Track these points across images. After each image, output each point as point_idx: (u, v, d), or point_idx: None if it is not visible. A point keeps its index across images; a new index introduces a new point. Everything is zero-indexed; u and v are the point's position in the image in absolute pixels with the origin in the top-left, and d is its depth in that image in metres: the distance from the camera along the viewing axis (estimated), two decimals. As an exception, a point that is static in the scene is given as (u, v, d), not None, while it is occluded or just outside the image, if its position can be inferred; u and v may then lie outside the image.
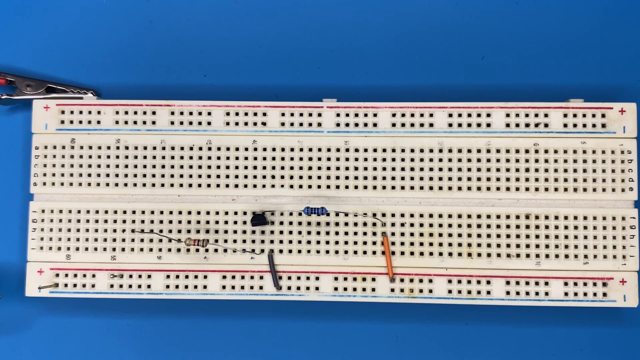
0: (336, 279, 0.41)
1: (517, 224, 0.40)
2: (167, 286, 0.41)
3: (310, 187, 0.41)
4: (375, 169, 0.41)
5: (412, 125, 0.41)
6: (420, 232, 0.41)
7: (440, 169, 0.41)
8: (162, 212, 0.41)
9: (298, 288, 0.41)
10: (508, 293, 0.40)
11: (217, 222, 0.41)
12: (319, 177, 0.41)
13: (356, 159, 0.41)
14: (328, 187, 0.41)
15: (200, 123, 0.42)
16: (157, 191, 0.41)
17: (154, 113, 0.42)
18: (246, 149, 0.41)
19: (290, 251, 0.41)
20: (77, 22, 0.45)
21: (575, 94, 0.43)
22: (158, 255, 0.41)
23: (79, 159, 0.42)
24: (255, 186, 0.41)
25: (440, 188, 0.41)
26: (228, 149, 0.41)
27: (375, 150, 0.41)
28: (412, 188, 0.41)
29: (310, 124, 0.41)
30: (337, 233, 0.41)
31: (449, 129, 0.41)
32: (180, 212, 0.41)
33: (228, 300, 0.42)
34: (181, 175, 0.41)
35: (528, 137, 0.41)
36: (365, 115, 0.41)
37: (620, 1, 0.45)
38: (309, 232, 0.41)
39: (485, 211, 0.40)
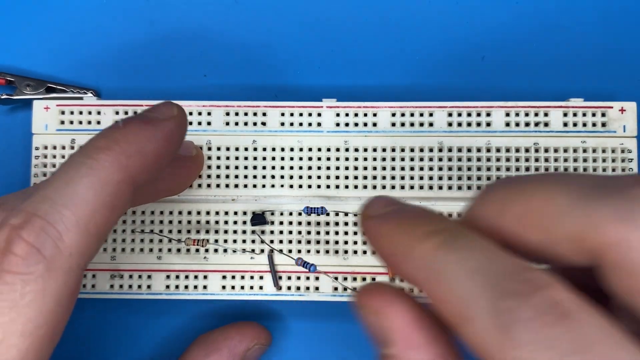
0: (336, 278, 0.41)
1: (518, 223, 0.40)
2: (167, 286, 0.41)
3: (310, 187, 0.41)
4: (375, 168, 0.41)
5: (412, 124, 0.41)
6: (420, 231, 0.40)
7: (440, 169, 0.41)
8: (162, 212, 0.41)
9: (298, 288, 0.41)
10: (508, 293, 0.40)
11: (217, 222, 0.41)
12: (319, 177, 0.41)
13: (356, 159, 0.41)
14: (328, 187, 0.41)
15: (200, 123, 0.42)
16: (157, 191, 0.41)
17: (153, 113, 0.42)
18: (246, 149, 0.41)
19: (290, 251, 0.41)
20: (77, 22, 0.46)
21: (575, 93, 0.43)
22: (158, 255, 0.41)
23: (79, 159, 0.42)
24: (255, 186, 0.41)
25: (440, 187, 0.41)
26: (228, 149, 0.41)
27: (375, 149, 0.41)
28: (412, 187, 0.41)
29: (310, 124, 0.41)
30: (337, 233, 0.41)
31: (449, 128, 0.41)
32: (180, 212, 0.41)
33: (228, 300, 0.42)
34: (181, 175, 0.41)
35: (528, 137, 0.41)
36: (365, 115, 0.41)
37: (620, 1, 0.45)
38: (308, 232, 0.41)
39: (485, 211, 0.40)
